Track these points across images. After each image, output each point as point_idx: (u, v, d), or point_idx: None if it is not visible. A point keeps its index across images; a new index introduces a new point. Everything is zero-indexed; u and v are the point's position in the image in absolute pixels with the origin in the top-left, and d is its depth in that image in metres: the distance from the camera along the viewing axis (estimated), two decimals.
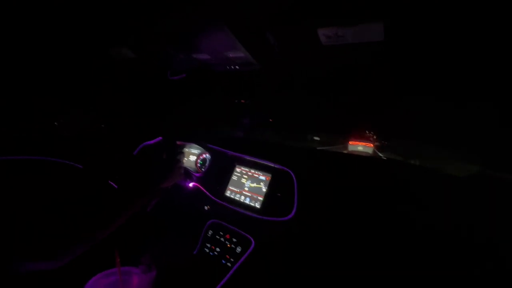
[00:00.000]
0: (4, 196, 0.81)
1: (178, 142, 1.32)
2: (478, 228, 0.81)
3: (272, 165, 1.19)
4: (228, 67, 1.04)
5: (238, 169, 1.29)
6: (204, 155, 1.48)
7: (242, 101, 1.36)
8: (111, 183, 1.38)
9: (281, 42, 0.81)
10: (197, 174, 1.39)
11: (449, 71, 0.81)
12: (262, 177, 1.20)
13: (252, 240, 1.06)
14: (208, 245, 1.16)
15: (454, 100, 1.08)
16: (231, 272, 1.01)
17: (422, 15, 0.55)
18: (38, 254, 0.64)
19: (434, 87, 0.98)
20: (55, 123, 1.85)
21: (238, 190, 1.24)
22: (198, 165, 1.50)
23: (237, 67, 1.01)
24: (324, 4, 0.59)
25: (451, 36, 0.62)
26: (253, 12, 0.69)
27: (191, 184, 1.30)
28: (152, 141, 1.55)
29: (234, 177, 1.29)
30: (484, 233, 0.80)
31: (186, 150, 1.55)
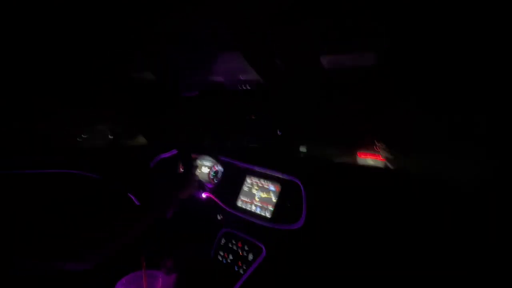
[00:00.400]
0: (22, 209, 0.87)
1: (192, 155, 1.42)
2: (488, 239, 0.83)
3: (280, 176, 1.25)
4: (239, 87, 1.15)
5: (249, 180, 1.36)
6: (216, 167, 1.57)
7: (252, 116, 1.46)
8: (131, 196, 1.48)
9: (288, 67, 0.91)
10: (210, 185, 1.47)
11: (443, 88, 0.88)
12: (272, 188, 1.27)
13: (263, 248, 1.11)
14: (221, 253, 1.22)
15: (454, 112, 1.12)
16: (243, 278, 1.07)
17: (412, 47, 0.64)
18: (69, 255, 0.72)
19: (431, 101, 1.04)
20: (78, 139, 1.98)
21: (249, 200, 1.31)
22: (211, 176, 1.58)
23: (248, 86, 1.12)
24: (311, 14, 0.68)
25: (442, 61, 0.69)
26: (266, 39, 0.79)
27: (204, 195, 1.38)
28: (168, 154, 1.65)
29: (245, 188, 1.36)
30: (493, 242, 0.82)
31: (199, 162, 1.64)
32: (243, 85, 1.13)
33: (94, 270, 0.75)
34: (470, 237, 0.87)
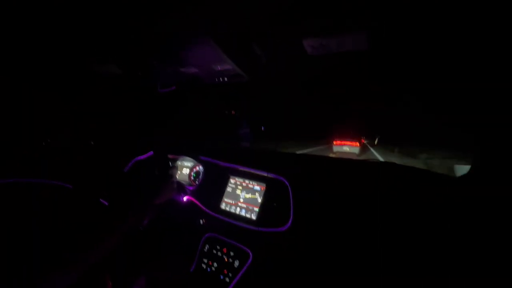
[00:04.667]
0: None
1: (170, 156, 1.30)
2: (470, 228, 0.82)
3: (265, 174, 1.18)
4: (217, 80, 1.04)
5: (232, 180, 1.28)
6: (197, 168, 1.46)
7: (233, 112, 1.36)
8: (103, 201, 1.34)
9: (267, 54, 0.82)
10: (191, 188, 1.37)
11: (433, 76, 0.83)
12: (257, 187, 1.19)
13: (250, 253, 1.04)
14: (205, 260, 1.13)
15: (439, 102, 1.09)
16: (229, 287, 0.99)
17: (404, 25, 0.57)
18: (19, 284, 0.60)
19: (419, 90, 1.00)
20: (43, 142, 1.78)
21: (233, 202, 1.23)
22: (192, 178, 1.47)
23: (225, 79, 1.01)
24: (307, 15, 0.61)
25: (433, 45, 0.64)
26: (238, 23, 0.70)
27: (185, 198, 1.27)
28: (143, 156, 1.52)
29: (228, 189, 1.27)
30: (475, 233, 0.80)
31: (178, 163, 1.53)
32: (220, 78, 1.02)
33: None
34: (456, 227, 0.85)
